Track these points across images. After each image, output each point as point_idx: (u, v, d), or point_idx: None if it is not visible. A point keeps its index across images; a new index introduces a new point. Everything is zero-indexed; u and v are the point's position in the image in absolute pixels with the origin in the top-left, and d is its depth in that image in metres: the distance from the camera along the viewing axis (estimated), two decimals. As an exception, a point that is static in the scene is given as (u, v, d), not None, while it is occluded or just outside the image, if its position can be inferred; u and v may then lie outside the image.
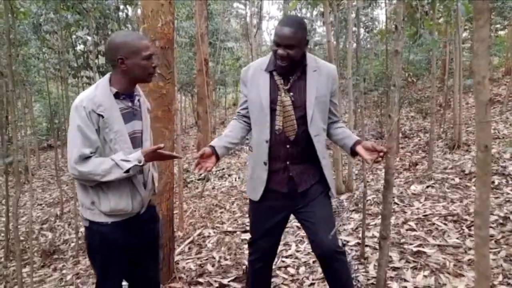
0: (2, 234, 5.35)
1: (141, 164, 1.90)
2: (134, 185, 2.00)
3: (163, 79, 3.09)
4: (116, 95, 1.95)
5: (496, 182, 4.55)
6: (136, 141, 2.03)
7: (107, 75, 1.99)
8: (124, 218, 2.00)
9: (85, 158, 1.84)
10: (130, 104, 2.01)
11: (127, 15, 8.84)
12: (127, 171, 1.86)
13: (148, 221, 2.17)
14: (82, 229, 5.32)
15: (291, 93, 2.21)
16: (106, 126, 1.88)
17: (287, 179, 2.27)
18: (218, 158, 2.21)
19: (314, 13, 11.92)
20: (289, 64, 2.14)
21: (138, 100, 2.08)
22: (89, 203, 1.94)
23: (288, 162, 2.25)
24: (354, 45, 8.01)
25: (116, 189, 1.94)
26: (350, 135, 2.34)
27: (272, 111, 2.22)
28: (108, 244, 1.98)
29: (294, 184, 2.27)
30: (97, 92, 1.89)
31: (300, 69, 2.22)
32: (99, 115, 1.86)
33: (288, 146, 2.23)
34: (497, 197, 4.19)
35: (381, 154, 2.17)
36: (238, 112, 2.41)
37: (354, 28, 8.56)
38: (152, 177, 2.16)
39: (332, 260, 2.24)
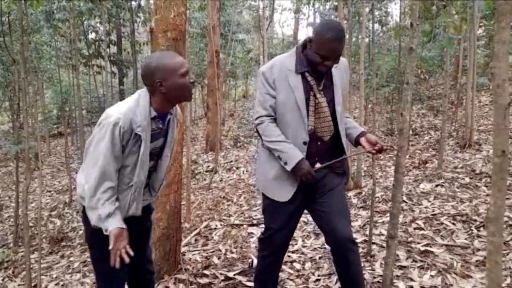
0: (12, 220, 5.42)
1: (106, 232, 1.85)
2: (135, 199, 2.01)
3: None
4: (153, 117, 1.96)
5: (508, 183, 4.49)
6: (153, 154, 2.06)
7: (147, 93, 1.96)
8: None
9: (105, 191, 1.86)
10: (161, 126, 2.03)
11: (139, 4, 8.84)
12: (98, 228, 1.87)
13: (143, 214, 2.18)
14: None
15: (323, 92, 2.22)
16: (136, 144, 1.90)
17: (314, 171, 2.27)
18: None
19: (327, 6, 11.82)
20: (329, 70, 2.19)
21: (169, 119, 2.08)
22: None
23: (316, 158, 2.27)
24: (367, 39, 7.95)
25: (124, 202, 1.97)
26: (356, 126, 2.40)
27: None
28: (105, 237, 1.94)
29: (320, 175, 2.27)
30: (137, 111, 1.89)
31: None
32: (136, 134, 1.88)
33: (319, 143, 2.26)
34: (508, 199, 4.14)
35: (377, 148, 2.24)
36: (269, 115, 2.26)
37: (368, 24, 8.48)
38: (160, 184, 2.21)
39: (346, 250, 2.25)
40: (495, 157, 1.07)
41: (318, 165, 2.23)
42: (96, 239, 1.96)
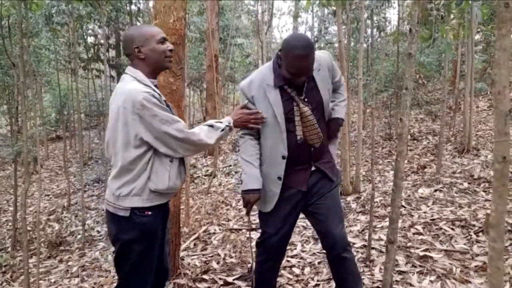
0: (10, 224, 5.40)
1: (230, 125, 2.14)
2: (184, 165, 2.11)
3: (174, 75, 3.08)
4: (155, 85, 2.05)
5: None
6: None
7: (132, 73, 1.99)
8: (164, 201, 2.06)
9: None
10: (164, 99, 2.07)
11: (139, 8, 8.85)
12: (223, 129, 2.09)
13: (167, 214, 2.25)
14: (89, 221, 5.37)
15: (306, 100, 2.22)
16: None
17: (308, 176, 2.33)
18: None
19: (326, 11, 11.86)
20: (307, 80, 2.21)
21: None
22: (143, 183, 1.93)
23: (312, 162, 2.32)
24: (365, 45, 7.97)
25: (174, 167, 2.02)
26: (335, 109, 2.43)
27: (289, 123, 2.22)
28: (149, 234, 2.00)
29: (316, 177, 2.34)
30: (147, 86, 1.94)
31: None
32: (166, 103, 2.01)
33: (312, 149, 2.29)
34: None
35: None
36: (246, 130, 2.33)
37: (366, 29, 8.51)
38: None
39: (341, 252, 2.28)
40: (496, 163, 1.08)
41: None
42: (143, 234, 1.97)
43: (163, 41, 2.00)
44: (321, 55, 2.31)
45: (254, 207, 2.35)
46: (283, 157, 2.24)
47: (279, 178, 2.27)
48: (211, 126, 2.08)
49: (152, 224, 2.00)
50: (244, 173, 2.28)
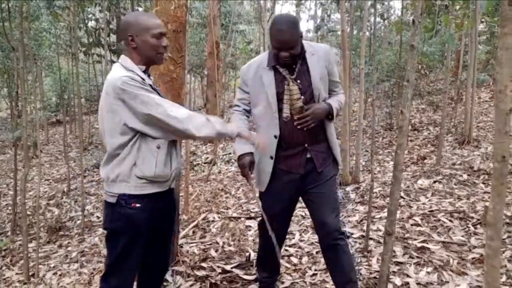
0: (10, 208, 5.42)
1: (232, 136, 2.04)
2: (175, 152, 2.05)
3: (174, 63, 3.06)
4: (144, 71, 2.00)
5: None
6: None
7: (123, 61, 1.97)
8: (156, 190, 1.99)
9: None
10: (151, 83, 2.02)
11: (140, -7, 8.77)
12: (220, 132, 1.97)
13: (170, 206, 2.20)
14: (88, 207, 5.39)
15: (298, 81, 2.29)
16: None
17: (305, 161, 2.36)
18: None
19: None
20: (293, 60, 2.24)
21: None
22: (128, 168, 1.90)
23: (306, 145, 2.35)
24: (368, 33, 7.91)
25: (162, 154, 1.95)
26: (329, 98, 2.42)
27: (280, 101, 2.30)
28: (134, 228, 1.97)
29: (312, 165, 2.37)
30: (130, 71, 1.90)
31: (301, 57, 2.30)
32: (152, 87, 1.95)
33: (296, 127, 2.29)
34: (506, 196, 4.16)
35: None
36: (238, 105, 2.49)
37: (369, 17, 8.42)
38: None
39: (333, 240, 2.33)
40: (495, 162, 1.08)
41: (254, 182, 2.42)
42: (126, 223, 1.95)
43: (158, 36, 1.93)
44: (321, 45, 2.42)
45: (257, 194, 2.39)
46: (275, 136, 2.32)
47: (271, 157, 2.35)
48: (208, 120, 1.95)
49: (138, 219, 1.96)
50: (236, 142, 2.37)
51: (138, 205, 1.94)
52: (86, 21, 9.41)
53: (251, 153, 2.32)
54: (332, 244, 2.34)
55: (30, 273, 3.76)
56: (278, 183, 2.40)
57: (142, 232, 2.01)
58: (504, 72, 1.01)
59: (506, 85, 1.01)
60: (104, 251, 3.91)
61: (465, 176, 4.92)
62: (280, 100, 2.29)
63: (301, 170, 2.36)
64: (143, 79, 1.91)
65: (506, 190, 3.94)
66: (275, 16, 2.28)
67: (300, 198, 2.52)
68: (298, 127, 2.29)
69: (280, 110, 2.30)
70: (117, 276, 2.05)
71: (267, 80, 2.31)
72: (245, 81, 2.42)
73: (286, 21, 2.15)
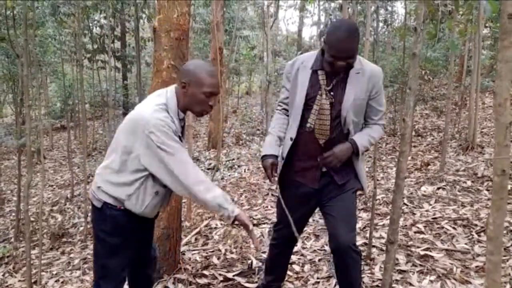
0: (14, 214, 5.44)
1: (229, 218, 1.93)
2: (168, 198, 2.15)
3: (177, 71, 3.07)
4: (181, 119, 2.05)
5: (509, 187, 4.47)
6: None
7: (173, 93, 2.02)
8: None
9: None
10: (183, 124, 2.10)
11: (145, 0, 8.82)
12: (221, 206, 1.92)
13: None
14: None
15: (332, 93, 2.21)
16: None
17: (319, 175, 2.32)
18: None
19: (333, 5, 11.77)
20: (346, 70, 2.16)
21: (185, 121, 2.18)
22: (121, 195, 1.98)
23: (318, 159, 2.27)
24: (371, 38, 7.91)
25: (156, 199, 2.05)
26: (358, 133, 2.32)
27: (307, 109, 2.24)
28: (120, 230, 2.04)
29: (329, 179, 2.31)
30: (173, 116, 1.96)
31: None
32: (179, 137, 1.98)
33: (321, 143, 2.26)
34: (509, 203, 4.12)
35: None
36: (280, 105, 2.47)
37: (372, 23, 8.42)
38: None
39: (345, 255, 2.26)
40: (495, 176, 1.07)
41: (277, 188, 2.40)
42: (114, 227, 2.02)
43: (209, 95, 1.97)
44: (373, 66, 2.28)
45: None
46: (291, 139, 2.30)
47: (283, 158, 2.35)
48: (224, 197, 1.96)
49: (124, 220, 2.03)
50: (265, 141, 2.38)
51: (123, 207, 2.02)
52: (91, 27, 9.47)
53: (275, 156, 2.30)
54: (345, 261, 2.28)
55: (33, 280, 3.76)
56: (294, 194, 2.38)
57: (129, 233, 2.07)
58: (504, 85, 1.01)
59: (506, 98, 1.01)
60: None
61: (469, 183, 4.90)
62: (308, 107, 2.23)
63: (316, 184, 2.32)
64: (175, 130, 1.95)
65: (507, 203, 3.93)
66: (335, 22, 2.17)
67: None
68: (323, 169, 2.29)
69: (303, 117, 2.25)
70: (107, 279, 2.10)
71: (302, 79, 2.25)
72: (288, 77, 2.37)
73: (349, 28, 2.04)
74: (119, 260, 2.09)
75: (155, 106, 1.94)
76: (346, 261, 2.28)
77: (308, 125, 2.23)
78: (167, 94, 2.01)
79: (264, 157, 2.32)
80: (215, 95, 1.99)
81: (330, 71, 2.17)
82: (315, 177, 2.32)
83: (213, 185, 1.97)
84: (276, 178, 2.34)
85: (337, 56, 2.06)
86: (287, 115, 2.42)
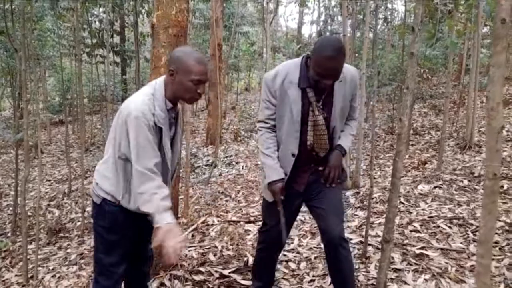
0: (11, 209, 5.43)
1: (155, 223, 1.85)
2: (166, 181, 2.10)
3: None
4: (169, 109, 2.02)
5: (506, 187, 4.49)
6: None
7: (161, 82, 2.01)
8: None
9: (152, 173, 1.89)
10: (173, 115, 2.08)
11: (143, -5, 8.79)
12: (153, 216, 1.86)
13: None
14: (89, 209, 5.37)
15: (324, 108, 2.25)
16: (160, 136, 1.97)
17: (307, 178, 2.38)
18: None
19: (333, 3, 11.75)
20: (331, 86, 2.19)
21: (178, 110, 2.15)
22: (121, 192, 2.00)
23: (312, 165, 2.37)
24: (371, 35, 7.90)
25: None
26: (341, 138, 2.39)
27: (303, 125, 2.26)
28: (119, 225, 2.05)
29: (317, 175, 2.37)
30: (156, 105, 1.94)
31: None
32: (160, 128, 1.94)
33: (314, 154, 2.33)
34: (505, 203, 4.14)
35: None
36: (267, 122, 2.37)
37: (372, 21, 8.40)
38: (172, 177, 2.27)
39: (337, 247, 2.31)
40: (486, 180, 1.07)
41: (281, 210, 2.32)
42: (112, 223, 2.03)
43: (197, 82, 1.94)
44: (350, 69, 2.31)
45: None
46: (293, 155, 2.30)
47: (286, 174, 2.34)
48: (164, 208, 1.86)
49: (122, 217, 2.04)
50: (265, 166, 2.35)
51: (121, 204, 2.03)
52: (90, 22, 9.43)
53: (282, 179, 2.30)
54: (334, 251, 2.34)
55: (29, 275, 3.77)
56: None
57: (127, 230, 2.09)
58: (496, 90, 1.01)
59: (498, 102, 1.01)
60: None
61: (465, 182, 4.91)
62: (304, 122, 2.25)
63: (301, 187, 2.39)
64: (159, 119, 1.93)
65: (503, 204, 3.93)
66: (322, 40, 2.13)
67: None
68: (330, 185, 2.34)
69: (301, 132, 2.27)
70: (105, 275, 2.12)
71: (294, 97, 2.22)
72: (272, 93, 2.28)
73: (336, 48, 2.02)
74: (117, 257, 2.11)
75: (142, 96, 1.95)
76: (339, 253, 2.33)
77: (308, 142, 2.28)
78: (155, 85, 2.01)
79: (272, 182, 2.30)
80: (204, 83, 1.97)
81: (315, 86, 2.18)
82: (303, 182, 2.39)
83: (151, 197, 1.86)
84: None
85: (324, 74, 2.06)
86: (275, 131, 2.37)
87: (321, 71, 2.05)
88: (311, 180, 2.39)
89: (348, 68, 2.29)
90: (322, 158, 2.36)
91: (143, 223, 2.14)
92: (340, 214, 2.41)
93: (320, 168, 2.38)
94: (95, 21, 9.90)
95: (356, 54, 9.22)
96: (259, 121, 2.41)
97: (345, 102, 2.29)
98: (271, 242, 2.57)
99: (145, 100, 1.92)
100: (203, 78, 1.95)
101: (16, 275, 3.94)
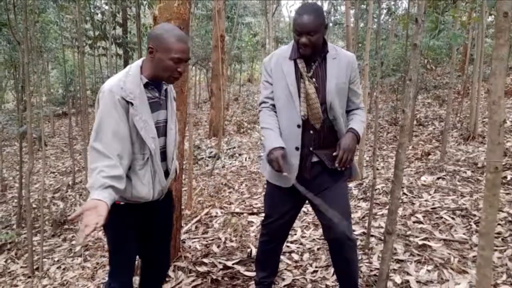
0: (16, 201, 5.47)
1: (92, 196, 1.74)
2: (156, 175, 2.00)
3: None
4: (145, 85, 1.94)
5: (509, 177, 4.48)
6: (159, 130, 2.03)
7: (139, 61, 1.97)
8: (140, 203, 2.02)
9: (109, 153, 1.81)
10: (157, 94, 2.01)
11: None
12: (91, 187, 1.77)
13: (164, 206, 2.21)
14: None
15: (314, 79, 2.25)
16: (136, 113, 1.87)
17: (311, 165, 2.31)
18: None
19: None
20: (312, 50, 2.19)
21: (165, 90, 2.07)
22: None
23: (311, 148, 2.29)
24: (375, 26, 7.85)
25: (140, 177, 1.94)
26: (352, 122, 2.34)
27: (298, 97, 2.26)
28: (119, 223, 2.00)
29: (320, 169, 2.32)
30: (127, 80, 1.88)
31: (321, 56, 2.26)
32: (128, 102, 1.85)
33: (311, 132, 2.27)
34: (508, 193, 4.14)
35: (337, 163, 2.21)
36: (266, 101, 2.38)
37: (376, 11, 8.34)
38: (174, 166, 2.19)
39: (342, 246, 2.29)
40: (488, 173, 1.07)
41: (297, 184, 2.22)
42: (116, 223, 1.97)
43: (177, 60, 1.87)
44: (347, 53, 2.33)
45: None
46: (298, 126, 2.26)
47: (297, 148, 2.28)
48: (100, 184, 1.75)
49: (124, 215, 1.99)
50: (265, 138, 2.30)
51: (122, 203, 1.98)
52: (92, 14, 9.40)
53: (282, 148, 2.22)
54: (341, 250, 2.31)
55: (35, 267, 3.81)
56: (285, 188, 2.37)
57: (130, 227, 2.05)
58: (499, 83, 1.01)
59: (500, 96, 1.01)
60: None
61: (469, 173, 4.90)
62: (298, 95, 2.25)
63: (307, 174, 2.31)
64: (130, 92, 1.86)
65: (506, 194, 3.92)
66: (300, 5, 2.27)
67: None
68: (314, 158, 2.29)
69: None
70: (114, 276, 2.11)
71: (287, 70, 2.27)
72: (268, 72, 2.36)
73: (309, 7, 2.15)
74: (123, 257, 2.09)
75: (118, 74, 1.93)
76: (343, 251, 2.30)
77: (302, 113, 2.24)
78: (134, 62, 1.97)
79: (272, 150, 2.21)
80: (184, 61, 1.90)
81: (302, 54, 2.22)
82: (307, 167, 2.32)
83: (96, 174, 1.76)
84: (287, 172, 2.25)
85: (298, 31, 2.14)
86: (275, 111, 2.37)
87: (296, 28, 2.15)
88: (315, 174, 2.33)
89: (344, 52, 2.32)
90: (320, 136, 2.29)
91: (145, 222, 2.12)
92: (346, 212, 2.33)
93: (318, 158, 2.30)
94: (97, 13, 9.86)
95: (360, 45, 9.17)
96: (259, 104, 2.45)
97: (340, 80, 2.26)
98: (273, 235, 2.55)
99: (118, 76, 1.90)
100: (184, 57, 1.89)
101: (21, 267, 3.98)
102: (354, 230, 3.70)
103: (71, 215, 1.66)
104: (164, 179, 2.07)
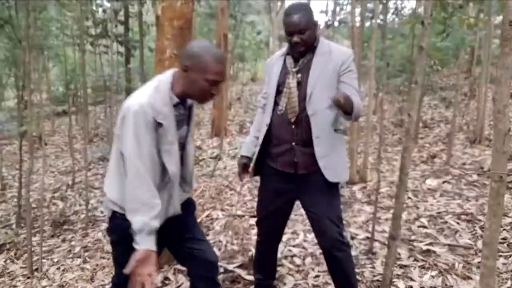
0: (15, 200, 5.43)
1: (137, 245, 1.69)
2: (171, 200, 1.91)
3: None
4: (175, 104, 1.84)
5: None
6: (180, 146, 1.94)
7: (169, 76, 1.85)
8: None
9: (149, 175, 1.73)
10: (182, 111, 1.91)
11: (148, -16, 8.69)
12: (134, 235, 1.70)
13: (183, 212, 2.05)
14: (92, 201, 5.37)
15: (299, 75, 2.26)
16: (164, 134, 1.79)
17: (293, 161, 2.30)
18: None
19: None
20: (306, 48, 2.23)
21: (190, 105, 1.99)
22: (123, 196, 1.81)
23: (293, 143, 2.29)
24: (380, 21, 7.75)
25: (162, 201, 1.83)
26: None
27: (279, 93, 2.31)
28: (129, 238, 1.78)
29: (300, 167, 2.31)
30: (157, 97, 1.77)
31: (311, 52, 2.27)
32: (158, 123, 1.75)
33: (292, 126, 2.27)
34: (513, 197, 4.07)
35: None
36: (260, 99, 2.57)
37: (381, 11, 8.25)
38: (191, 176, 2.09)
39: (335, 251, 2.29)
40: (492, 182, 1.03)
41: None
42: (122, 238, 1.81)
43: (212, 83, 1.77)
44: (342, 48, 2.32)
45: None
46: (266, 124, 2.37)
47: (260, 145, 2.42)
48: (150, 230, 1.70)
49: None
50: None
51: None
52: (94, 11, 9.35)
53: (248, 158, 2.50)
54: (333, 255, 2.31)
55: (34, 268, 3.77)
56: (274, 183, 2.40)
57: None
58: (504, 92, 0.96)
59: (505, 104, 0.96)
60: (107, 247, 3.92)
61: (474, 177, 4.83)
62: (279, 92, 2.31)
63: (291, 169, 2.31)
64: (159, 112, 1.76)
65: (507, 203, 3.86)
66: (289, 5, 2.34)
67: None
68: (295, 159, 2.29)
69: (276, 102, 2.33)
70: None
71: (276, 69, 2.35)
72: (266, 72, 2.48)
73: (296, 6, 2.20)
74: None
75: (144, 90, 1.80)
76: (335, 256, 2.31)
77: (279, 107, 2.28)
78: (162, 77, 1.85)
79: (240, 157, 2.54)
80: (219, 83, 1.81)
81: (294, 52, 2.27)
82: (291, 162, 2.30)
83: (144, 208, 1.71)
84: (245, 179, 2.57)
85: (288, 31, 2.19)
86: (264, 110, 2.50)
87: (286, 28, 2.20)
88: (302, 171, 2.28)
89: (339, 48, 2.31)
90: (300, 133, 2.25)
91: (164, 234, 1.91)
92: (335, 216, 2.30)
93: (299, 155, 2.27)
94: (98, 11, 9.80)
95: (365, 44, 9.08)
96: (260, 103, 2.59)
97: (327, 71, 2.21)
98: (265, 235, 2.60)
99: (147, 92, 1.77)
100: (220, 79, 1.79)
101: (21, 267, 3.94)
102: (357, 234, 3.65)
103: (125, 269, 1.65)
104: (179, 203, 1.95)
